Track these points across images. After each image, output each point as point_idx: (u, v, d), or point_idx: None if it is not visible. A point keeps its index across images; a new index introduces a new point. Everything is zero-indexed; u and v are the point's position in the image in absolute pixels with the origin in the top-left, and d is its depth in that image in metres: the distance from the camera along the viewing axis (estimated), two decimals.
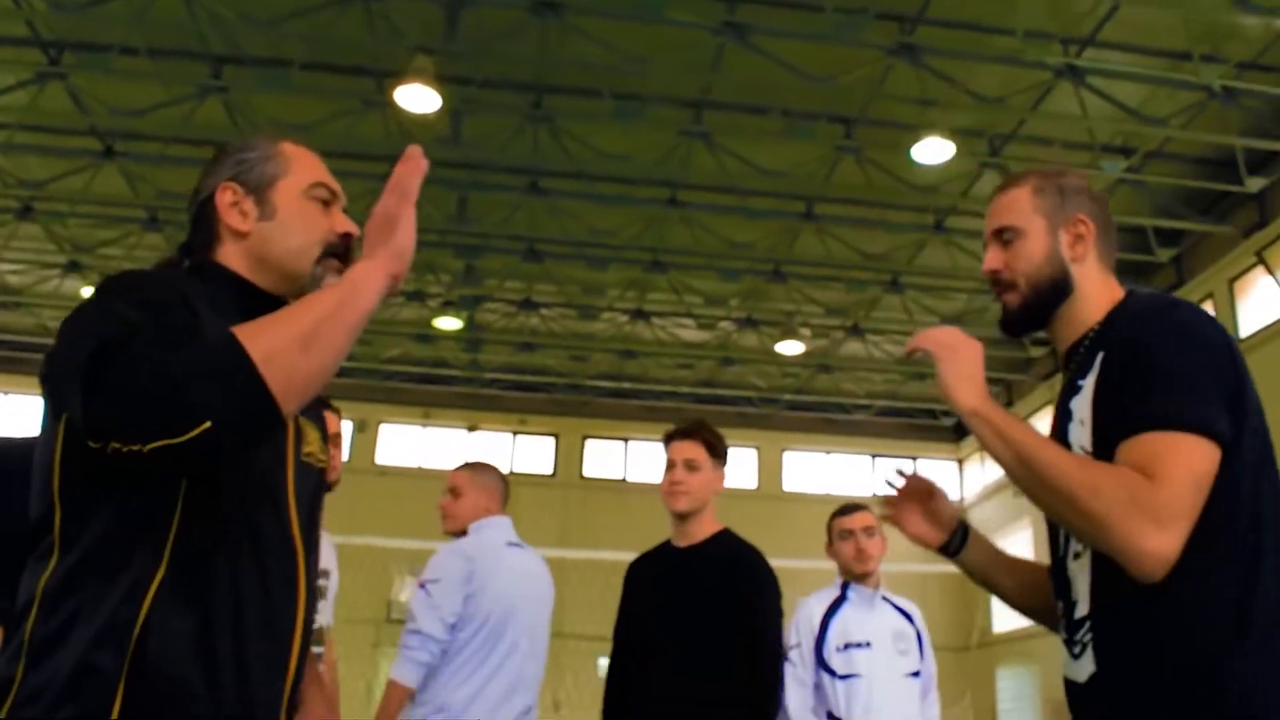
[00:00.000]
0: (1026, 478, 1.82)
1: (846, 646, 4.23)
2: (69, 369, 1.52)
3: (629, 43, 11.70)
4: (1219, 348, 1.82)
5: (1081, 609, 1.88)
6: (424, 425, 22.84)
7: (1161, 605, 1.73)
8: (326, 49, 12.13)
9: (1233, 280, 15.37)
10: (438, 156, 13.97)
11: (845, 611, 4.33)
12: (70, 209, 15.75)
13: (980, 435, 1.91)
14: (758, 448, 22.85)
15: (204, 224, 1.91)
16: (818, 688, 4.23)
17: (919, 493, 2.32)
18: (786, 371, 21.42)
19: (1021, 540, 19.52)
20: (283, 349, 1.52)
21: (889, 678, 4.20)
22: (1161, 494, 1.68)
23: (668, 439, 3.87)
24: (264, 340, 1.51)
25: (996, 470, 22.24)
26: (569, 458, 23.22)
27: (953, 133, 12.43)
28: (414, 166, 1.69)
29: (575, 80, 12.76)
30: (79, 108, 13.16)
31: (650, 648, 3.73)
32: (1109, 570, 1.77)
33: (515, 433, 23.05)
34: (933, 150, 12.64)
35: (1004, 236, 2.09)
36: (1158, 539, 1.67)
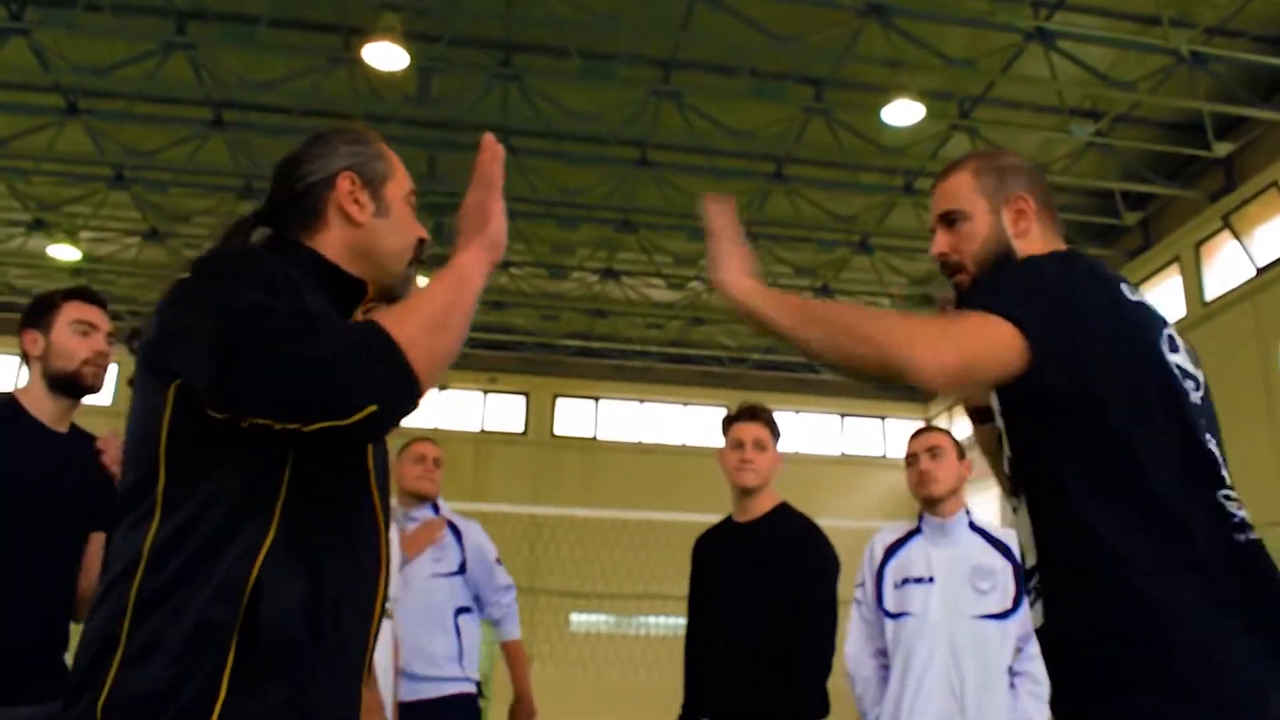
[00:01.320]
0: (820, 331, 1.92)
1: (905, 582, 3.95)
2: (197, 346, 1.59)
3: (598, 1, 11.65)
4: (1049, 278, 1.93)
5: (1029, 559, 1.96)
6: None
7: (1094, 554, 1.81)
8: (293, 5, 12.02)
9: (1199, 244, 15.52)
10: (406, 115, 13.93)
11: (913, 544, 4.05)
12: (34, 166, 15.57)
13: (764, 323, 2.04)
14: (727, 407, 22.82)
15: (308, 204, 1.91)
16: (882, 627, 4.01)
17: None
18: (756, 331, 21.48)
19: (989, 499, 19.73)
20: (420, 335, 1.65)
21: (952, 618, 3.81)
22: (938, 322, 1.86)
23: (730, 420, 4.16)
24: (405, 327, 1.64)
25: (964, 429, 22.44)
26: (540, 416, 23.27)
27: (922, 95, 12.47)
28: (493, 155, 1.84)
29: (544, 39, 12.70)
30: (42, 64, 12.98)
31: (712, 622, 3.95)
32: (1045, 521, 1.89)
33: (486, 391, 23.05)
34: (902, 112, 12.67)
35: (949, 219, 2.18)
36: (928, 351, 1.79)
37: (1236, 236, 14.66)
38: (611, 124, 13.97)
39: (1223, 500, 1.85)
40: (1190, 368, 2.01)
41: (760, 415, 4.13)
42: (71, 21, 11.89)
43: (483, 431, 22.56)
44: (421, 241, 2.02)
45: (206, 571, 1.59)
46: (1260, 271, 14.25)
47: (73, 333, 3.16)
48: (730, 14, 11.71)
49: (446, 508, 4.95)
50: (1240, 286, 14.57)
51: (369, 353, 1.59)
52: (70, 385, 3.15)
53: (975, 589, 3.85)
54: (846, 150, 14.42)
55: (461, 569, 4.76)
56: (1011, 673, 3.84)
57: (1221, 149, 13.85)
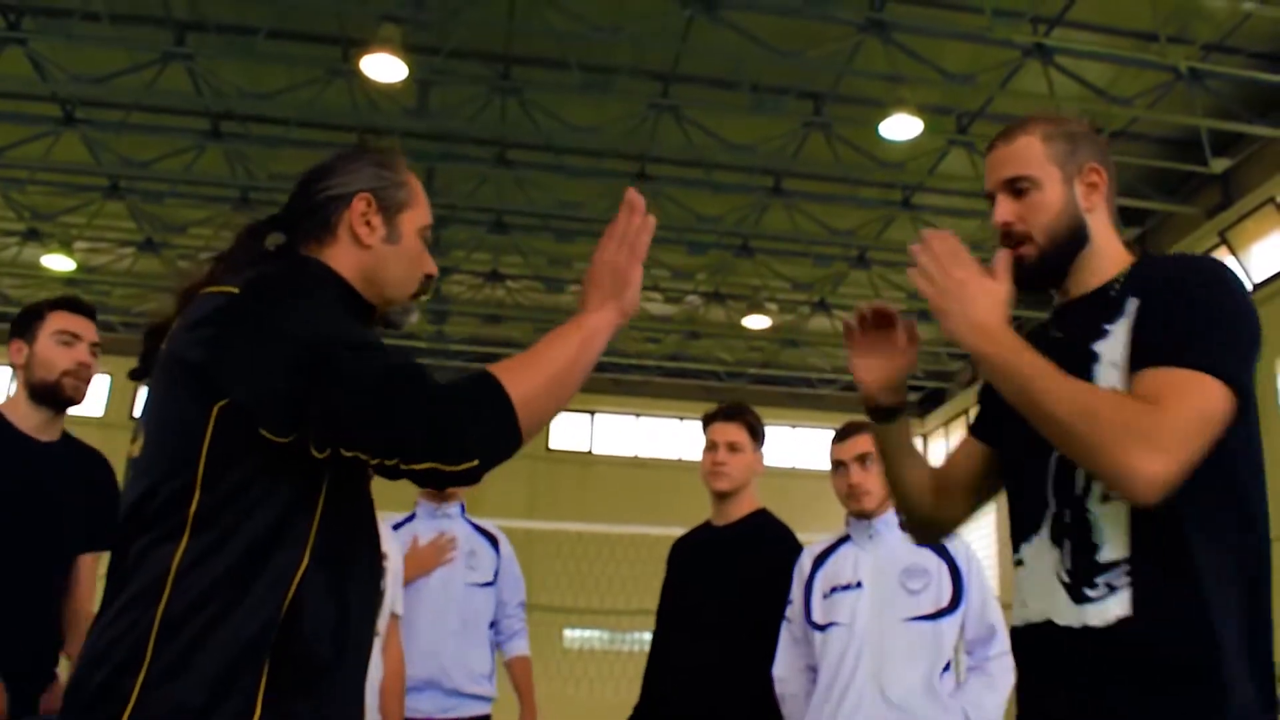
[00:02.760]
0: (1029, 409, 1.78)
1: (833, 591, 3.65)
2: (272, 373, 1.58)
3: (597, 14, 11.65)
4: (1253, 311, 1.86)
5: (1109, 553, 1.82)
6: None
7: (1195, 554, 1.76)
8: (292, 17, 12.00)
9: None
10: (404, 127, 13.91)
11: (842, 551, 3.74)
12: (29, 176, 15.54)
13: (984, 371, 1.89)
14: None
15: (321, 218, 1.91)
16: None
17: (884, 327, 2.20)
18: (753, 345, 21.47)
19: (984, 514, 19.66)
20: (535, 395, 1.66)
21: (881, 623, 3.53)
22: (1162, 419, 1.66)
23: (708, 420, 3.97)
24: (522, 385, 1.65)
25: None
26: None
27: (921, 110, 12.47)
28: (642, 224, 1.93)
29: (543, 52, 12.70)
30: (39, 74, 12.96)
31: (691, 623, 3.83)
32: (1152, 512, 1.75)
33: None
34: (901, 127, 12.66)
35: (1016, 186, 2.00)
36: (1150, 460, 1.64)
37: (1233, 252, 14.65)
38: (610, 137, 13.97)
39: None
40: None
41: (737, 415, 3.93)
42: (69, 31, 11.87)
43: None
44: (429, 277, 2.01)
45: (240, 591, 1.58)
46: (1256, 287, 14.24)
47: (56, 343, 3.13)
48: (730, 28, 11.72)
49: (455, 509, 4.72)
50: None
51: (486, 404, 1.60)
52: (50, 396, 3.11)
53: (906, 590, 3.58)
54: (845, 165, 14.42)
55: (495, 579, 4.60)
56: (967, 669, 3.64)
57: (1218, 165, 13.85)
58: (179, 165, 14.85)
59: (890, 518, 3.65)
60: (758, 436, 3.96)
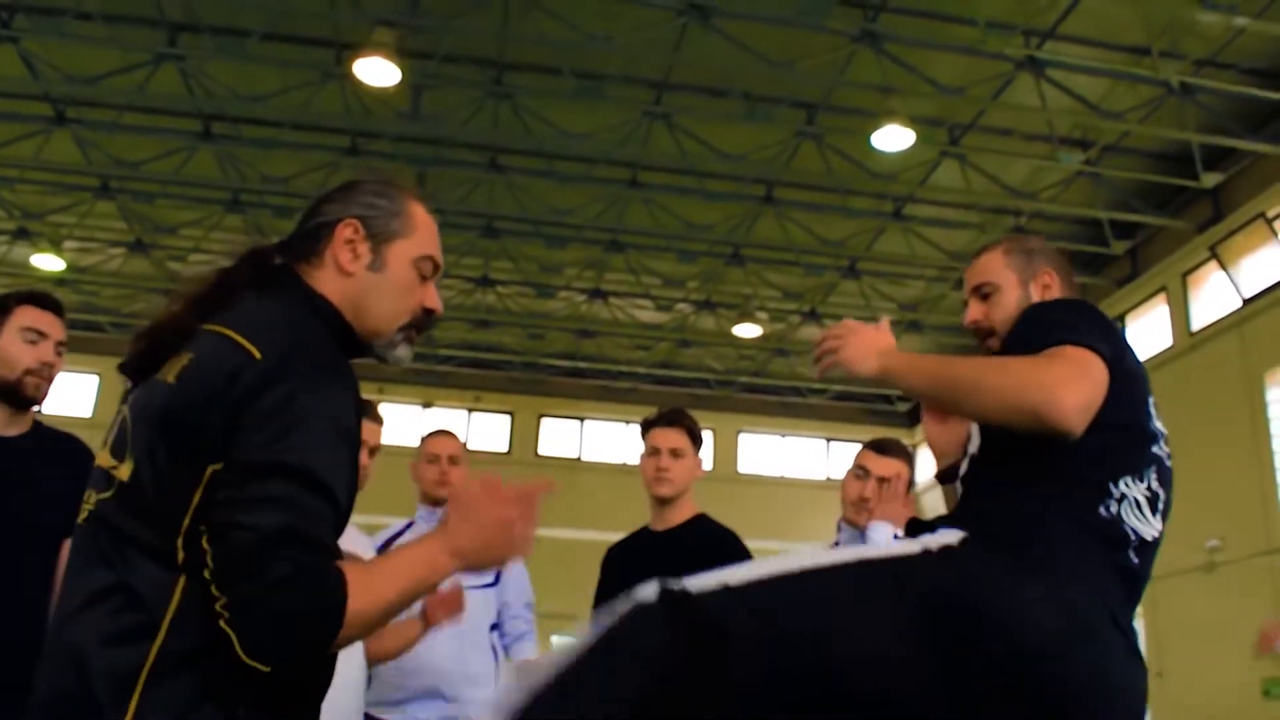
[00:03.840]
0: (950, 392, 2.10)
1: None
2: (247, 482, 1.58)
3: (591, 21, 11.65)
4: (1099, 314, 2.18)
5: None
6: (378, 401, 22.64)
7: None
8: (285, 19, 11.98)
9: (1186, 274, 15.57)
10: (397, 131, 13.90)
11: None
12: (20, 175, 15.49)
13: (901, 385, 2.24)
14: (713, 429, 22.92)
15: (312, 242, 1.91)
16: None
17: None
18: (743, 354, 21.47)
19: None
20: (370, 614, 1.60)
21: None
22: (1057, 362, 1.98)
23: (648, 425, 3.93)
24: (365, 601, 1.58)
25: None
26: (524, 436, 23.18)
27: (913, 121, 12.48)
28: (542, 491, 1.85)
29: (537, 58, 12.69)
30: (31, 73, 12.91)
31: None
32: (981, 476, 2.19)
33: (470, 410, 22.97)
34: (893, 138, 12.68)
35: (982, 291, 2.42)
36: (1064, 389, 1.92)
37: (1223, 267, 14.69)
38: (602, 144, 13.96)
39: (1123, 560, 2.02)
40: (1164, 432, 2.19)
41: (679, 421, 3.92)
42: (62, 30, 11.83)
43: (466, 450, 22.37)
44: (428, 312, 1.97)
45: (220, 654, 1.56)
46: (1246, 302, 14.29)
47: (20, 339, 3.03)
48: (723, 37, 11.72)
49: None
50: (1226, 317, 14.60)
51: (318, 623, 1.55)
52: (10, 394, 3.03)
53: None
54: (836, 175, 14.43)
55: (496, 580, 4.48)
56: None
57: (1209, 180, 13.90)
58: (170, 166, 14.81)
59: (879, 525, 3.63)
60: (698, 441, 3.94)
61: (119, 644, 1.58)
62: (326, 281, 1.87)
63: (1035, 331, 2.11)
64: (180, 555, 1.59)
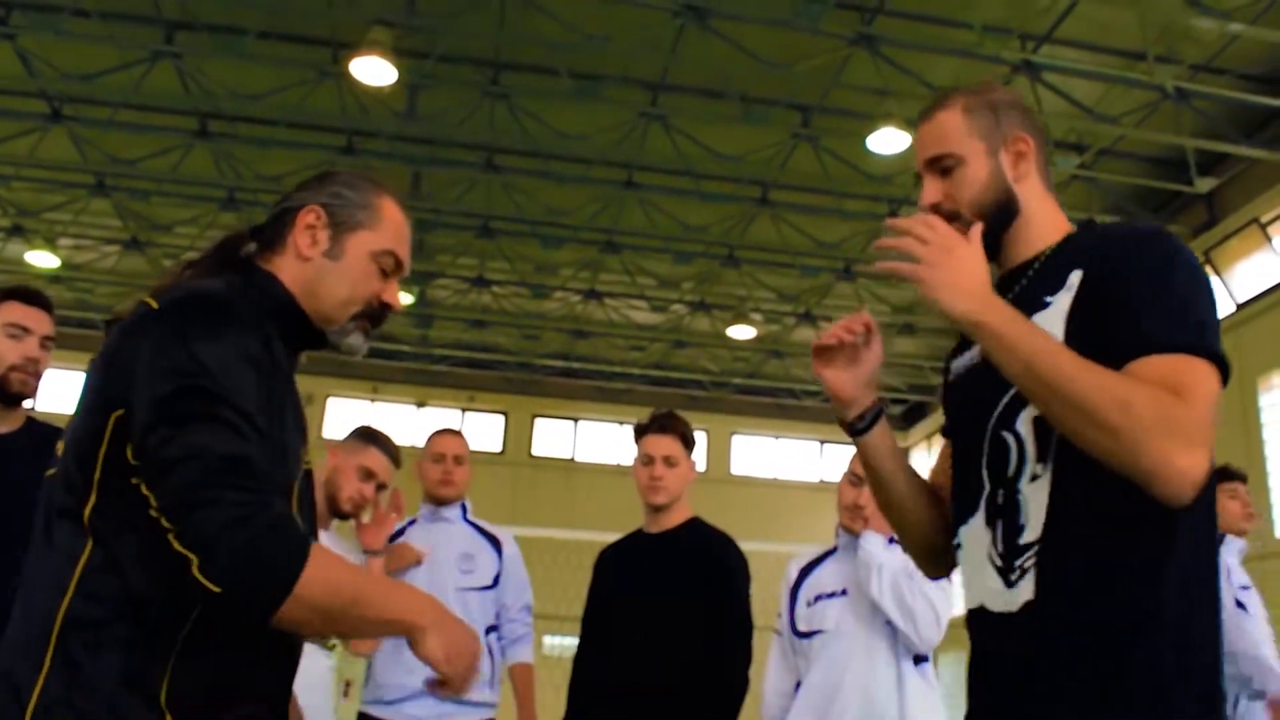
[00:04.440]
0: (1038, 390, 1.66)
1: (817, 599, 3.73)
2: (144, 396, 1.59)
3: (588, 22, 11.65)
4: (1209, 284, 1.77)
5: (1028, 535, 1.74)
6: (372, 400, 22.69)
7: (1123, 539, 1.67)
8: (282, 18, 11.97)
9: None
10: (392, 130, 13.89)
11: (828, 563, 3.83)
12: (15, 172, 15.46)
13: (982, 344, 1.73)
14: (707, 430, 22.91)
15: (279, 227, 1.93)
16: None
17: (855, 340, 2.05)
18: (737, 356, 21.48)
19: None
20: (323, 591, 1.56)
21: (868, 628, 3.59)
22: (1192, 413, 1.58)
23: (641, 431, 3.92)
24: (323, 574, 1.56)
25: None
26: (518, 436, 23.17)
27: (908, 124, 12.49)
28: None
29: (533, 58, 12.69)
30: (27, 69, 12.89)
31: (620, 632, 3.79)
32: (1071, 495, 1.69)
33: (464, 409, 22.96)
34: (888, 140, 12.69)
35: (941, 165, 1.93)
36: (1190, 458, 1.55)
37: (1217, 272, 14.71)
38: (598, 145, 13.96)
39: None
40: None
41: (671, 427, 3.89)
42: (58, 27, 11.82)
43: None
44: (384, 306, 1.95)
45: (135, 618, 1.57)
46: (1240, 307, 14.32)
47: (4, 335, 3.03)
48: (719, 38, 11.73)
49: (455, 511, 4.61)
50: (1220, 321, 14.60)
51: (283, 563, 1.53)
52: None
53: None
54: (832, 177, 14.44)
55: (495, 582, 4.47)
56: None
57: (1204, 185, 13.93)
58: (166, 164, 14.80)
59: (871, 535, 3.69)
60: (690, 446, 3.93)
61: (29, 616, 1.61)
62: (285, 267, 1.89)
63: (1157, 313, 1.67)
64: (86, 515, 1.61)
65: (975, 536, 1.85)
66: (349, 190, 1.94)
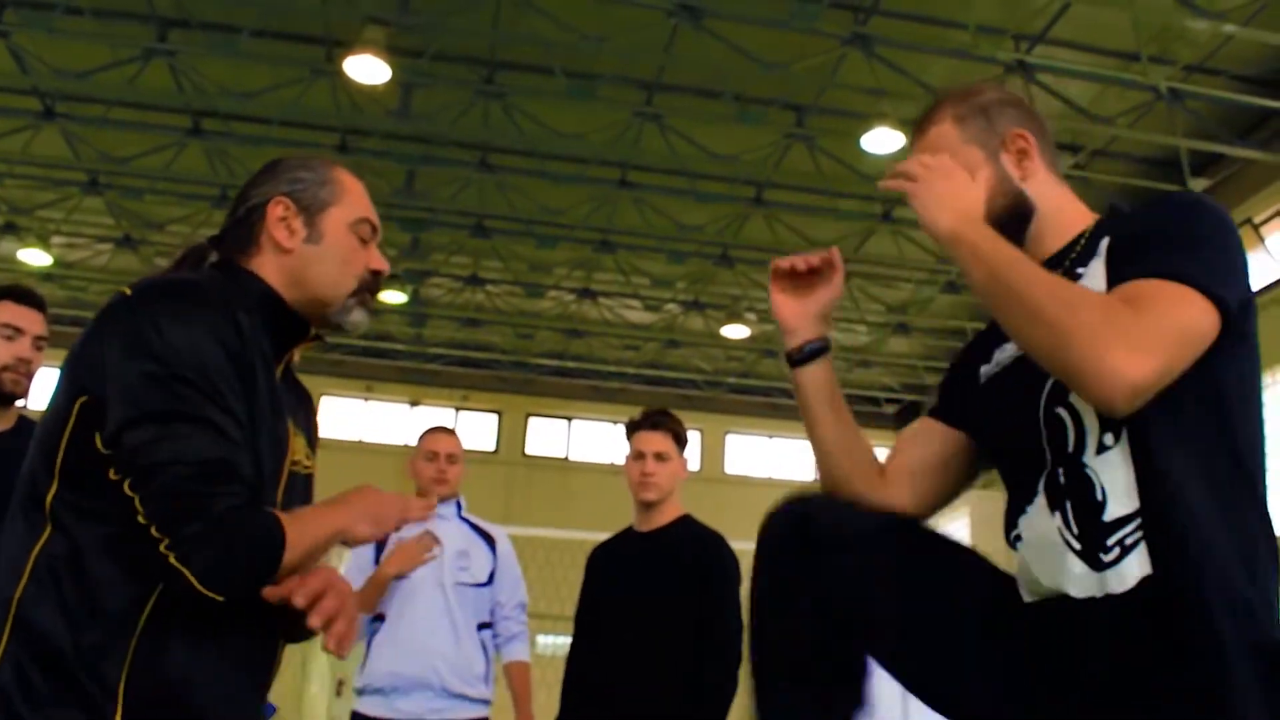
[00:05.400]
0: (996, 292, 1.66)
1: None
2: (114, 381, 1.60)
3: (583, 21, 11.64)
4: (1236, 235, 1.73)
5: (1116, 508, 1.66)
6: (366, 399, 22.68)
7: (1221, 497, 1.63)
8: (276, 16, 11.95)
9: None
10: (387, 129, 13.88)
11: None
12: (8, 169, 15.43)
13: (958, 262, 1.74)
14: (701, 430, 22.93)
15: (246, 229, 1.90)
16: None
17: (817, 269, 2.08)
18: (731, 355, 21.48)
19: (958, 528, 19.73)
20: (300, 557, 1.63)
21: None
22: (1142, 320, 1.56)
23: (633, 428, 3.94)
24: (298, 547, 1.62)
25: None
26: (512, 435, 23.16)
27: (903, 124, 12.49)
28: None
29: (528, 57, 12.68)
30: (20, 67, 12.86)
31: (612, 631, 3.79)
32: (1158, 461, 1.63)
33: (458, 408, 22.95)
34: (883, 140, 12.70)
35: None
36: (1125, 358, 1.53)
37: None
38: (593, 144, 13.96)
39: None
40: None
41: (663, 424, 3.91)
42: (51, 25, 11.78)
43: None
44: (375, 273, 1.95)
45: (91, 606, 1.56)
46: None
47: None
48: (714, 38, 11.72)
49: (449, 509, 4.62)
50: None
51: (262, 553, 1.59)
52: None
53: None
54: (826, 177, 14.44)
55: (490, 580, 4.49)
56: None
57: (1197, 185, 13.93)
58: (159, 162, 14.76)
59: None
60: (682, 443, 3.95)
61: None
62: (265, 264, 1.87)
63: (1160, 248, 1.66)
64: (48, 502, 1.61)
65: (1038, 523, 1.77)
66: (305, 172, 1.92)
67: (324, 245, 1.89)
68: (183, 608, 1.57)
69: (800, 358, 2.04)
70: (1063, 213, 1.90)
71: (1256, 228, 14.04)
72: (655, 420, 3.92)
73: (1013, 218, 1.87)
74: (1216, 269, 1.65)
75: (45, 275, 17.89)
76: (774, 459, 23.70)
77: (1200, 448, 1.63)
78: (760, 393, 22.93)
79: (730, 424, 23.42)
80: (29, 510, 1.63)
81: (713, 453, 23.15)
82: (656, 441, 3.87)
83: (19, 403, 3.15)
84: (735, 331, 19.16)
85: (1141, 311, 1.57)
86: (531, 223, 16.21)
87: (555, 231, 16.52)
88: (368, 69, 11.77)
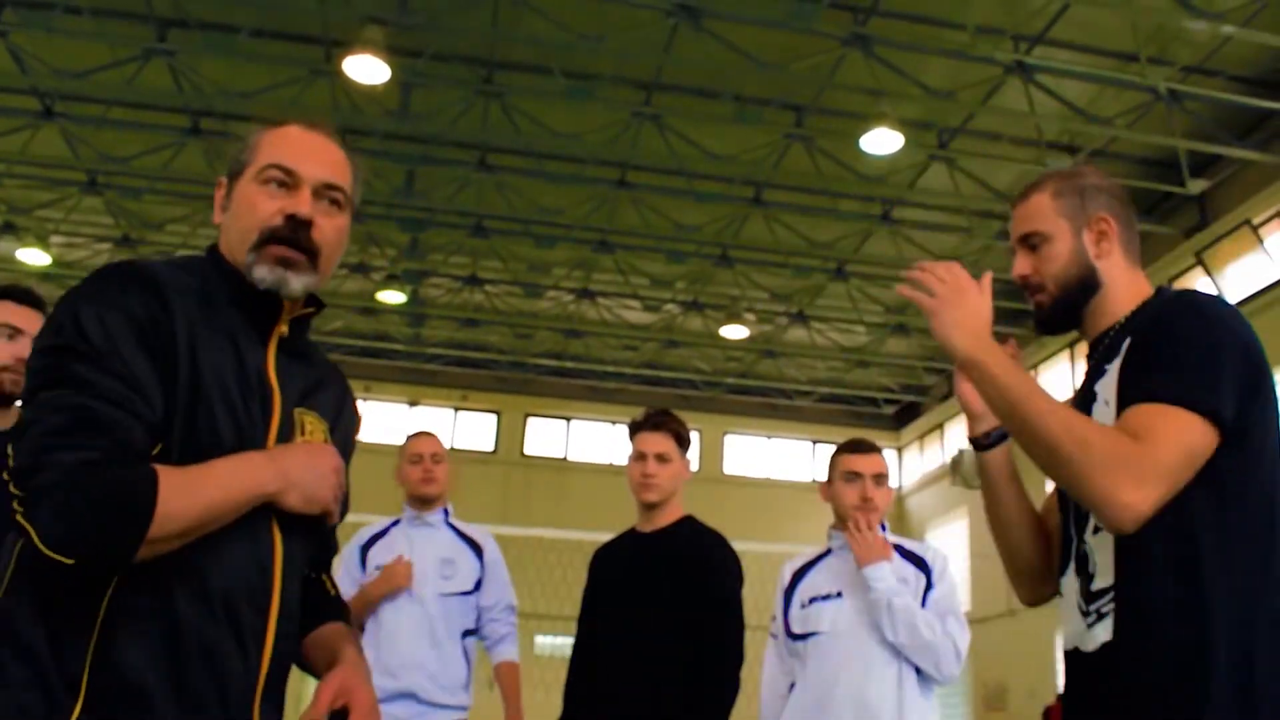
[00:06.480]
0: (1018, 427, 1.90)
1: (812, 601, 3.72)
2: (29, 382, 1.62)
3: (582, 21, 11.65)
4: (1238, 337, 1.91)
5: (1100, 580, 1.95)
6: (364, 399, 22.66)
7: (1185, 580, 1.82)
8: (275, 16, 11.96)
9: (1172, 280, 15.57)
10: (386, 129, 13.87)
11: (822, 565, 3.83)
12: (7, 169, 15.43)
13: (975, 383, 1.98)
14: (699, 430, 22.93)
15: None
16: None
17: None
18: (730, 355, 21.49)
19: (957, 530, 19.76)
20: (188, 514, 1.55)
21: (864, 631, 3.58)
22: (1146, 455, 1.77)
23: (635, 428, 3.91)
24: (182, 501, 1.53)
25: (935, 459, 22.50)
26: (510, 435, 23.16)
27: (902, 124, 12.51)
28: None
29: (527, 57, 12.69)
30: (19, 66, 12.86)
31: (614, 632, 3.79)
32: (1131, 544, 1.86)
33: (457, 409, 22.94)
34: (882, 141, 12.70)
35: (1030, 242, 2.15)
36: (1133, 493, 1.75)
37: (1209, 273, 14.76)
38: (592, 144, 13.96)
39: None
40: None
41: (664, 425, 3.88)
42: (50, 24, 11.79)
43: (452, 449, 22.32)
44: (289, 218, 1.79)
45: (52, 602, 1.54)
46: None
47: None
48: (713, 38, 11.73)
49: (437, 516, 4.64)
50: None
51: (116, 511, 1.49)
52: None
53: None
54: (825, 177, 14.45)
55: (476, 587, 4.51)
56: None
57: (1196, 186, 13.96)
58: (158, 162, 14.77)
59: (876, 567, 3.64)
60: (684, 444, 3.92)
61: None
62: (221, 244, 1.87)
63: (1163, 367, 1.88)
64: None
65: (1069, 584, 2.05)
66: (242, 145, 1.89)
67: (233, 209, 1.85)
68: (121, 601, 1.54)
69: (989, 443, 2.25)
70: (1121, 294, 2.12)
71: (1255, 228, 14.04)
72: (657, 421, 3.90)
73: (1081, 287, 2.12)
74: (1215, 383, 1.84)
75: (44, 275, 17.87)
76: (772, 459, 23.70)
77: (1183, 534, 1.84)
78: (759, 393, 22.93)
79: (729, 424, 23.42)
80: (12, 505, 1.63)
81: (711, 453, 23.15)
82: (658, 442, 3.85)
83: (18, 403, 3.14)
84: (734, 332, 19.17)
85: (1145, 443, 1.78)
86: (530, 223, 16.22)
87: (554, 232, 16.53)
88: (367, 69, 11.76)
